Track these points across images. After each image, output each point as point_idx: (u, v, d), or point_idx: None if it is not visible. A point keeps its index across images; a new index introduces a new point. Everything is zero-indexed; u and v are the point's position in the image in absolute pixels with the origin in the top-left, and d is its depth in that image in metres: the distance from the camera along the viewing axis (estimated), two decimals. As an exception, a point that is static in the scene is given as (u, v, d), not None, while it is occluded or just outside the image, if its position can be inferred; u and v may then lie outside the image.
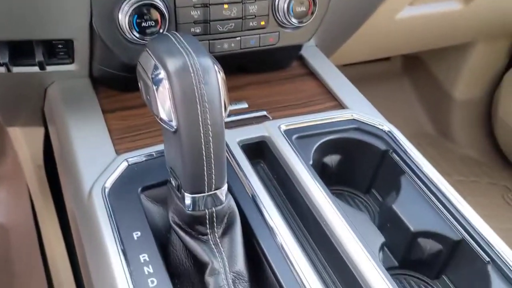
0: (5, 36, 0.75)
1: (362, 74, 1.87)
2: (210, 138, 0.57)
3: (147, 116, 0.84)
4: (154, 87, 0.57)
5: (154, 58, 0.58)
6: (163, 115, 0.57)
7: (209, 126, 0.56)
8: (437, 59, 1.90)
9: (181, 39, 0.60)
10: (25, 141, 1.17)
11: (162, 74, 0.56)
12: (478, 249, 0.70)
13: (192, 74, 0.55)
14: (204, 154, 0.57)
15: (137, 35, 0.75)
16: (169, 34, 0.61)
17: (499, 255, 0.69)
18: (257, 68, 0.97)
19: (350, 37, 1.14)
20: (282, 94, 0.94)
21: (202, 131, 0.56)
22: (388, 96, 2.00)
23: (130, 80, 0.86)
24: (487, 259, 0.69)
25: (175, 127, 0.57)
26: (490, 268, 0.68)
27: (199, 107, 0.55)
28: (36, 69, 0.80)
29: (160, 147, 0.76)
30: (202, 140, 0.57)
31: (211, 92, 0.56)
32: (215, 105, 0.56)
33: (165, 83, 0.56)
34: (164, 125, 0.58)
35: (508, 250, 0.70)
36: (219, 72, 0.58)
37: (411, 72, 2.02)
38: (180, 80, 0.55)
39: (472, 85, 1.89)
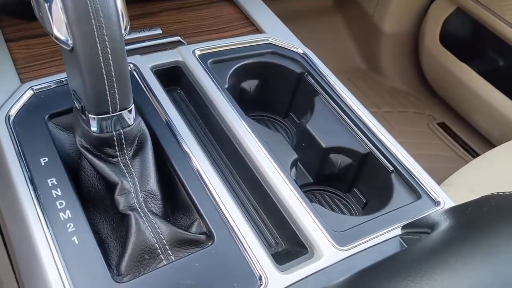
0: None
1: (294, 11, 1.86)
2: (109, 56, 0.55)
3: (53, 45, 0.81)
4: (46, 4, 0.54)
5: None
6: (57, 33, 0.55)
7: (106, 43, 0.55)
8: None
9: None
10: None
11: (53, -11, 0.53)
12: (383, 159, 0.74)
13: (84, -12, 0.53)
14: (104, 73, 0.56)
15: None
16: None
17: (402, 164, 0.73)
18: (172, -6, 0.94)
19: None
20: (198, 20, 0.92)
21: (99, 48, 0.54)
22: (320, 32, 2.01)
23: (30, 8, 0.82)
24: (391, 168, 0.73)
25: (71, 45, 0.55)
26: (393, 176, 0.73)
27: (94, 22, 0.53)
28: None
29: (60, 75, 0.73)
30: (101, 58, 0.55)
31: (106, 6, 0.54)
32: (112, 20, 0.54)
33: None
34: (60, 44, 0.56)
35: (411, 159, 0.74)
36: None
37: (342, 8, 2.03)
38: (71, -6, 0.53)
39: (400, 18, 1.93)
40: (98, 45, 0.54)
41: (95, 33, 0.54)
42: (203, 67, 0.80)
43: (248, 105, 0.84)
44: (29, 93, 0.70)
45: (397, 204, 0.69)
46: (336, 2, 2.05)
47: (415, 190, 0.71)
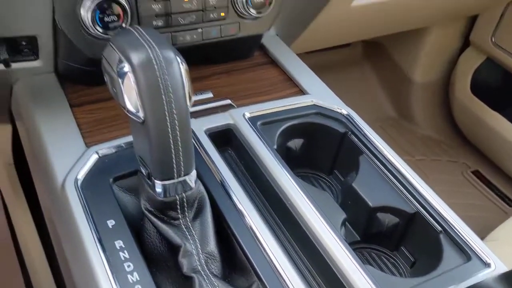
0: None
1: (324, 61, 1.92)
2: (177, 127, 0.60)
3: (114, 109, 0.86)
4: (120, 80, 0.59)
5: (118, 52, 0.60)
6: (130, 107, 0.60)
7: (174, 116, 0.59)
8: (395, 43, 1.96)
9: (143, 32, 0.62)
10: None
11: (126, 67, 0.58)
12: (431, 220, 0.76)
13: (156, 67, 0.58)
14: (172, 143, 0.60)
15: (100, 30, 0.77)
16: (131, 29, 0.64)
17: (450, 225, 0.75)
18: (220, 58, 1.00)
19: (308, 26, 1.18)
20: (245, 83, 0.97)
21: (168, 121, 0.59)
22: (350, 82, 2.06)
23: (95, 74, 0.88)
24: (439, 228, 0.75)
25: (142, 118, 0.59)
26: (442, 237, 0.74)
27: (164, 98, 0.58)
28: (1, 67, 0.81)
29: (129, 138, 0.78)
30: (169, 129, 0.59)
31: (174, 83, 0.59)
32: (179, 95, 0.59)
33: (130, 76, 0.58)
34: (131, 116, 0.60)
35: (458, 220, 0.76)
36: (181, 63, 0.61)
37: (371, 57, 2.09)
38: (144, 73, 0.58)
39: (430, 68, 1.97)
40: (167, 118, 0.59)
41: (165, 107, 0.59)
42: (253, 129, 0.84)
43: (293, 162, 0.87)
44: (94, 157, 0.75)
45: (447, 266, 0.70)
46: (366, 52, 2.11)
47: (464, 251, 0.72)
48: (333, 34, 1.39)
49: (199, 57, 0.97)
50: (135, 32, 0.62)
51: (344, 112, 0.91)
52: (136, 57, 0.58)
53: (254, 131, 0.84)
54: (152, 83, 0.58)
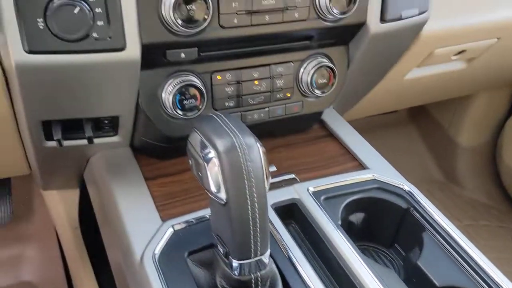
0: (61, 116, 0.83)
1: (370, 124, 1.96)
2: (256, 210, 0.63)
3: (185, 183, 0.91)
4: (205, 165, 0.64)
5: (204, 139, 0.66)
6: (214, 189, 0.64)
7: (255, 199, 0.63)
8: (441, 108, 1.99)
9: (226, 120, 0.68)
10: (61, 203, 1.23)
11: (212, 153, 0.63)
12: (501, 302, 0.76)
13: (240, 153, 0.63)
14: (251, 224, 0.64)
15: (180, 112, 0.83)
16: (214, 116, 0.69)
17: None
18: (281, 132, 1.05)
19: (362, 99, 1.23)
20: (306, 156, 1.01)
21: (249, 204, 0.63)
22: (396, 144, 2.07)
23: (169, 149, 0.95)
24: None
25: (225, 201, 0.64)
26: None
27: (246, 182, 0.63)
28: (84, 142, 0.88)
29: (200, 213, 0.83)
30: (249, 212, 0.63)
31: (256, 169, 0.63)
32: (260, 180, 0.63)
33: (215, 161, 0.63)
34: (214, 198, 0.65)
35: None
36: (261, 149, 0.65)
37: (417, 121, 2.11)
38: (229, 159, 0.62)
39: (476, 132, 1.98)
40: (248, 201, 0.63)
41: (247, 191, 0.63)
42: (317, 204, 0.87)
43: (354, 235, 0.89)
44: (170, 231, 0.80)
45: None
46: (411, 115, 2.13)
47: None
48: (383, 104, 1.43)
49: (262, 132, 1.02)
50: (217, 119, 0.68)
51: (406, 188, 0.93)
52: (221, 144, 0.63)
53: (319, 206, 0.87)
54: (236, 168, 0.62)
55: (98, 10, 0.69)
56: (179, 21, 0.73)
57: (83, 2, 0.67)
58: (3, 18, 0.67)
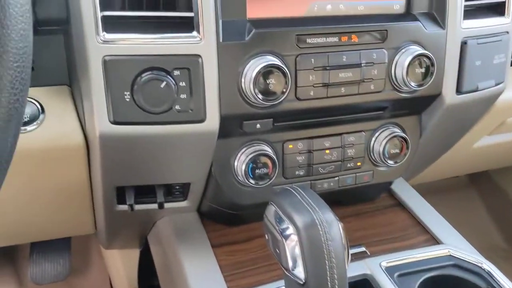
0: (136, 182, 0.85)
1: (428, 187, 1.89)
2: None
3: (253, 252, 0.90)
4: (284, 241, 0.62)
5: (281, 214, 0.64)
6: (291, 268, 0.62)
7: (335, 281, 0.60)
8: (504, 171, 1.90)
9: (304, 194, 0.66)
10: (120, 262, 1.24)
11: (290, 229, 0.62)
12: None
13: (320, 231, 0.61)
14: None
15: (252, 181, 0.83)
16: (291, 190, 0.68)
17: None
18: (349, 201, 1.03)
19: (428, 166, 1.19)
20: (375, 227, 0.98)
21: (329, 286, 0.60)
22: (456, 207, 1.99)
23: (237, 216, 0.94)
24: None
25: (304, 281, 0.61)
26: None
27: (327, 263, 0.60)
28: (154, 206, 0.89)
29: (271, 286, 0.80)
30: None
31: (337, 247, 0.61)
32: (341, 260, 0.61)
33: (294, 238, 0.61)
34: (292, 277, 0.62)
35: None
36: (340, 225, 0.63)
37: (477, 184, 2.03)
38: (309, 236, 0.60)
39: (543, 198, 1.87)
40: (329, 283, 0.60)
41: (327, 272, 0.60)
42: (391, 280, 0.83)
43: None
44: (240, 306, 0.77)
45: None
46: (471, 177, 2.05)
47: None
48: (447, 170, 1.39)
49: (329, 201, 1.00)
50: (295, 193, 0.66)
51: (485, 267, 0.87)
52: (300, 220, 0.61)
53: (393, 283, 0.83)
54: (316, 246, 0.60)
55: (182, 84, 0.71)
56: (259, 95, 0.73)
57: (169, 76, 0.70)
58: (92, 89, 0.70)
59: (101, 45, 0.68)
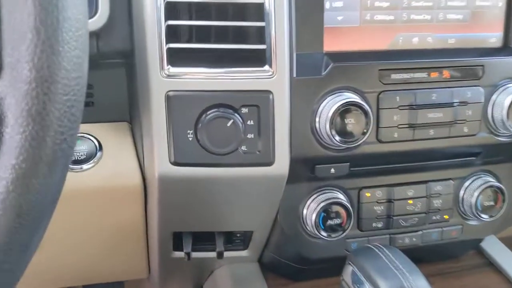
0: (195, 228, 0.77)
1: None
2: None
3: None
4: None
5: (363, 277, 0.55)
6: None
7: None
8: None
9: (390, 255, 0.56)
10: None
11: (374, 296, 0.52)
12: None
13: (411, 302, 0.50)
14: None
15: (324, 233, 0.73)
16: (374, 248, 0.58)
17: None
18: (432, 259, 0.90)
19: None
20: (463, 291, 0.85)
21: None
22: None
23: (302, 271, 0.84)
24: None
25: None
26: None
27: None
28: (213, 255, 0.81)
29: None
30: None
31: None
32: None
33: (378, 308, 0.51)
34: None
35: None
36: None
37: None
38: (397, 307, 0.50)
39: None
40: None
41: None
42: None
43: None
44: None
45: None
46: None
47: None
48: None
49: (409, 258, 0.88)
50: (379, 253, 0.57)
51: None
52: (387, 286, 0.51)
53: None
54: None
55: (250, 122, 0.64)
56: (336, 136, 0.65)
57: (236, 114, 0.63)
58: (153, 126, 0.64)
59: (165, 79, 0.62)
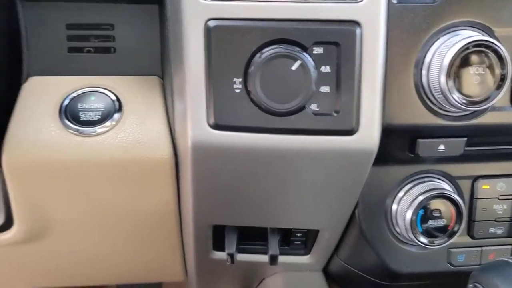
0: (240, 222, 0.59)
1: None
2: None
3: None
4: None
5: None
6: None
7: None
8: None
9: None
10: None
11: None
12: None
13: None
14: None
15: (423, 239, 0.52)
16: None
17: None
18: None
19: None
20: None
21: None
22: None
23: (380, 286, 0.63)
24: None
25: None
26: None
27: None
28: (264, 259, 0.61)
29: None
30: None
31: None
32: None
33: None
34: None
35: None
36: None
37: None
38: None
39: None
40: None
41: None
42: None
43: None
44: None
45: None
46: None
47: None
48: None
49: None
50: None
51: None
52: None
53: None
54: None
55: (325, 69, 0.44)
56: (455, 93, 0.43)
57: (305, 54, 0.43)
58: (186, 73, 0.46)
59: (204, 1, 0.43)
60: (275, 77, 0.43)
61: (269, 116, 0.45)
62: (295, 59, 0.43)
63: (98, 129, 0.54)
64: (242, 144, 0.47)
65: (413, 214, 0.52)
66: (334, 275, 0.68)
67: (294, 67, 0.43)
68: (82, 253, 0.78)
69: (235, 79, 0.45)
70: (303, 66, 0.43)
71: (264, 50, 0.43)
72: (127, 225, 0.70)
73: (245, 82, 0.44)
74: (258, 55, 0.43)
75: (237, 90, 0.45)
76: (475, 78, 0.44)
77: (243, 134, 0.46)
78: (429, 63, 0.45)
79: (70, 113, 0.54)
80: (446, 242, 0.53)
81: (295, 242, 0.64)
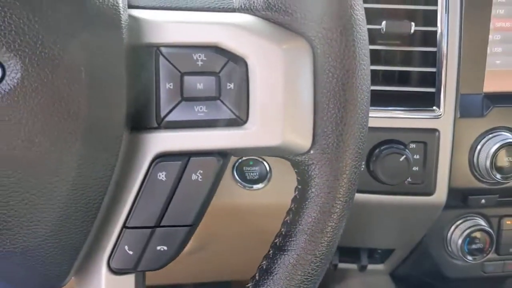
0: (344, 244, 0.86)
1: None
2: None
3: None
4: None
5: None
6: None
7: None
8: None
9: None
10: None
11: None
12: None
13: None
14: None
15: (470, 257, 0.80)
16: None
17: None
18: None
19: None
20: None
21: None
22: None
23: (431, 286, 0.91)
24: None
25: None
26: None
27: None
28: (353, 267, 0.89)
29: None
30: None
31: None
32: None
33: None
34: None
35: None
36: None
37: None
38: None
39: None
40: None
41: None
42: None
43: None
44: None
45: None
46: None
47: None
48: None
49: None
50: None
51: None
52: None
53: None
54: None
55: (416, 157, 0.71)
56: (494, 171, 0.71)
57: (406, 150, 0.70)
58: None
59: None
60: (390, 164, 0.70)
61: (383, 185, 0.73)
62: (402, 154, 0.70)
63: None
64: (365, 200, 0.75)
65: (462, 242, 0.81)
66: (399, 277, 0.95)
67: (401, 159, 0.70)
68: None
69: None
70: (407, 158, 0.70)
71: (382, 148, 0.71)
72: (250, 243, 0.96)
73: (367, 165, 0.72)
74: (377, 150, 0.71)
75: (361, 168, 0.73)
76: (508, 162, 0.72)
77: (366, 195, 0.74)
78: (479, 152, 0.73)
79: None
80: (483, 258, 0.82)
81: (375, 256, 0.92)
